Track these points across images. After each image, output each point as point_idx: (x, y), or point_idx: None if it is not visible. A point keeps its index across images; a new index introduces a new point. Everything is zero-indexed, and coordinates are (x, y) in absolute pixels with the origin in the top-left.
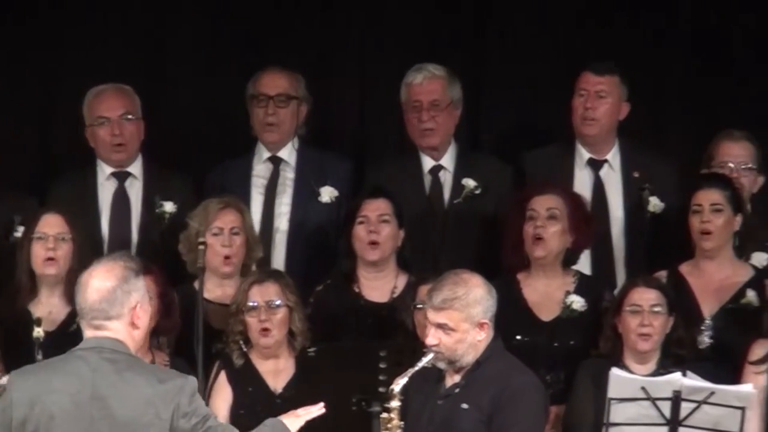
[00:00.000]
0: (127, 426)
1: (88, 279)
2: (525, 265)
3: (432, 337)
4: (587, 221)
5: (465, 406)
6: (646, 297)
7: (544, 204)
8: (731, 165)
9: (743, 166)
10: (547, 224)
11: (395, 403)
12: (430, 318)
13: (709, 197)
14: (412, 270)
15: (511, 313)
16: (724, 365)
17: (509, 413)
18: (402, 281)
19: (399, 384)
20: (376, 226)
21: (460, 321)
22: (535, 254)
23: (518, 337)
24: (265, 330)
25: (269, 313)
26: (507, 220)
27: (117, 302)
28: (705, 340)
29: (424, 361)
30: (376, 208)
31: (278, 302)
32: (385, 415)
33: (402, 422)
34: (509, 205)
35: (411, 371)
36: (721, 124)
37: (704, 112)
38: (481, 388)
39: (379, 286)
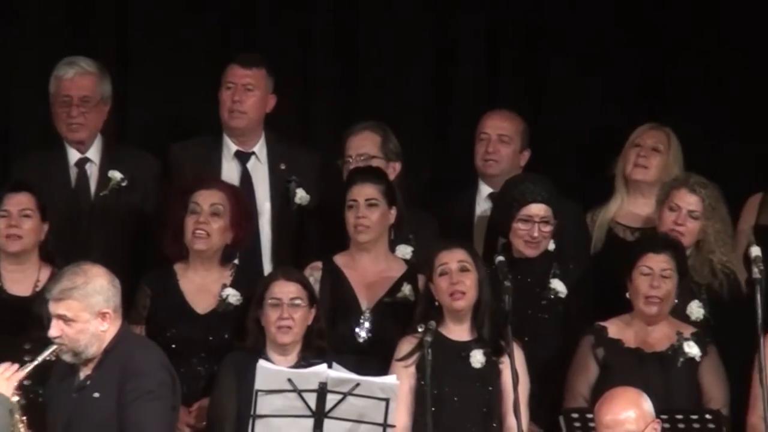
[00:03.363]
0: None
1: None
2: (183, 255)
3: (54, 329)
4: (248, 218)
5: (96, 395)
6: (285, 290)
7: (209, 199)
8: (354, 158)
9: (367, 157)
10: (210, 220)
11: (14, 399)
12: (51, 309)
13: (364, 192)
14: (57, 263)
15: (167, 305)
16: (381, 357)
17: (130, 388)
18: (45, 274)
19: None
20: (17, 220)
21: (79, 311)
22: (195, 247)
23: (173, 330)
24: None
25: None
26: (168, 209)
27: None
28: (363, 333)
29: (46, 353)
30: (18, 203)
31: None
32: None
33: (24, 417)
34: (171, 195)
35: (31, 365)
36: (364, 115)
37: (349, 103)
38: (109, 375)
39: (21, 278)
